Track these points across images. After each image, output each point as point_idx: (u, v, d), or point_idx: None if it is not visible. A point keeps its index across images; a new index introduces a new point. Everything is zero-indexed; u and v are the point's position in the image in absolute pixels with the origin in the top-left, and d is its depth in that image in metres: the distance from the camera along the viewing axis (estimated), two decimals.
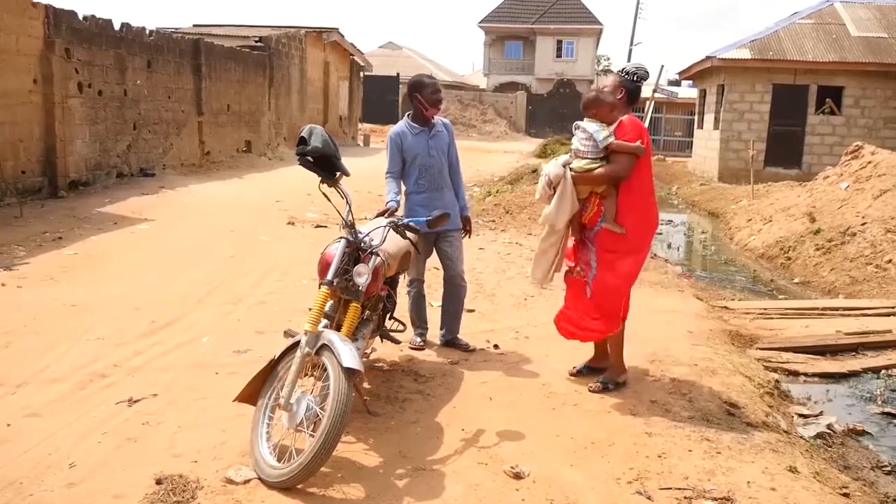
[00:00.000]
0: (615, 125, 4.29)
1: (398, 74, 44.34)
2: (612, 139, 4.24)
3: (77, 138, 11.59)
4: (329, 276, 3.55)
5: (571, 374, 4.66)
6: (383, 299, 4.24)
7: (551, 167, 4.42)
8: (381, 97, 36.93)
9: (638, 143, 4.23)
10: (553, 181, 4.35)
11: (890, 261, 8.81)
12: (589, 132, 4.28)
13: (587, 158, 4.30)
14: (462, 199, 5.15)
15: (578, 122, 4.40)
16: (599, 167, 4.26)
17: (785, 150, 19.49)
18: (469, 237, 5.22)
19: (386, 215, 4.53)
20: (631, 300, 4.57)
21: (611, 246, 4.33)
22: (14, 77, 10.14)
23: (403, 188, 5.05)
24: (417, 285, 5.17)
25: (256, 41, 19.89)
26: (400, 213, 4.83)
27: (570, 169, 4.35)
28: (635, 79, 4.42)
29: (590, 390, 4.38)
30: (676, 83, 35.28)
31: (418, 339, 5.17)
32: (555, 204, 4.34)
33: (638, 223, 4.33)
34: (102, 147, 12.42)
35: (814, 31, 20.39)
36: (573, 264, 4.53)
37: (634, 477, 3.36)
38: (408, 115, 5.04)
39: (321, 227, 10.13)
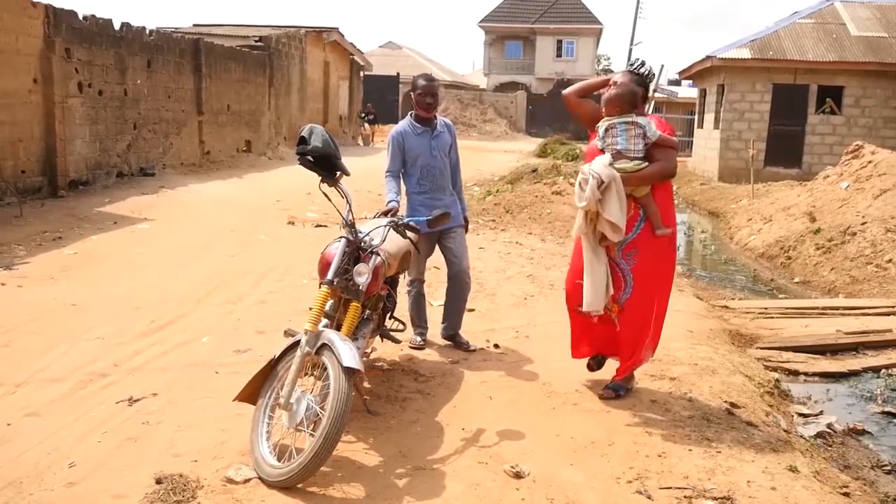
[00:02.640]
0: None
1: (398, 74, 44.31)
2: (660, 133, 4.00)
3: (77, 138, 11.59)
4: (329, 276, 3.54)
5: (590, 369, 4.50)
6: (383, 299, 4.23)
7: (600, 168, 3.96)
8: (381, 97, 36.93)
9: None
10: (606, 182, 3.92)
11: (890, 260, 8.81)
12: (642, 126, 4.00)
13: (637, 158, 4.01)
14: (462, 202, 5.15)
15: (618, 119, 4.06)
16: (646, 166, 4.01)
17: (785, 150, 19.49)
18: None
19: (388, 215, 4.50)
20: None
21: (651, 253, 4.08)
22: (14, 77, 10.13)
23: (403, 188, 5.03)
24: (418, 285, 5.15)
25: (256, 41, 19.89)
26: (402, 212, 4.82)
27: (617, 169, 3.99)
28: (647, 79, 4.22)
29: (601, 397, 4.27)
30: (676, 83, 35.27)
31: (418, 339, 5.15)
32: (616, 207, 3.91)
33: (673, 225, 4.17)
34: (102, 147, 12.41)
35: (814, 30, 20.39)
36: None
37: (634, 476, 3.36)
38: (410, 115, 5.03)
39: (321, 226, 10.14)
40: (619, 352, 4.31)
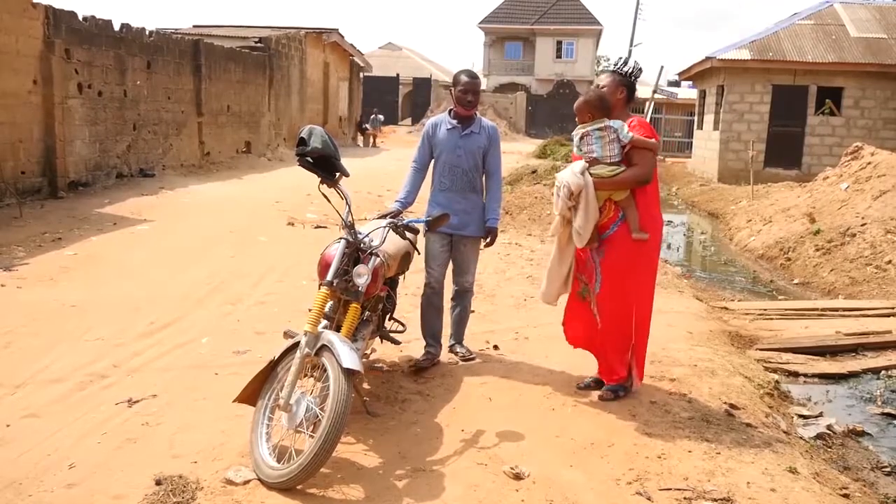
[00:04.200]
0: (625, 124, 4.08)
1: (398, 75, 44.36)
2: (633, 135, 4.00)
3: (77, 139, 11.59)
4: (329, 277, 3.54)
5: (579, 388, 4.44)
6: (383, 300, 4.23)
7: (569, 176, 4.03)
8: (381, 98, 36.98)
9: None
10: (575, 192, 3.98)
11: (889, 261, 8.81)
12: (615, 129, 4.00)
13: (612, 164, 4.02)
14: (493, 211, 4.74)
15: (591, 127, 4.06)
16: (622, 171, 4.03)
17: (785, 151, 19.51)
18: (488, 246, 4.84)
19: (388, 217, 4.34)
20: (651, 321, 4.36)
21: (622, 252, 4.10)
22: (14, 78, 10.14)
23: (429, 183, 4.82)
24: (428, 291, 4.77)
25: (256, 42, 19.90)
26: (420, 210, 4.71)
27: (592, 175, 4.02)
28: (632, 77, 4.22)
29: (600, 398, 4.25)
30: (676, 84, 35.28)
31: (423, 360, 4.73)
32: (581, 216, 3.99)
33: (655, 229, 4.18)
34: (102, 148, 12.42)
35: (813, 31, 20.41)
36: (584, 277, 4.27)
37: (634, 478, 3.36)
38: (450, 110, 4.78)
39: (321, 227, 10.12)
40: (605, 354, 4.31)
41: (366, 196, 11.50)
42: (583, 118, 4.11)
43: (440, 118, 4.80)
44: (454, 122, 4.72)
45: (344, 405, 3.10)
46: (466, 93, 4.61)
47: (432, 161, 4.81)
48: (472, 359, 4.92)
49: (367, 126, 29.96)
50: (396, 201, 4.68)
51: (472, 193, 4.72)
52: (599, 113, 4.07)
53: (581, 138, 4.13)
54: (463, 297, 4.94)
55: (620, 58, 4.30)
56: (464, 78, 4.65)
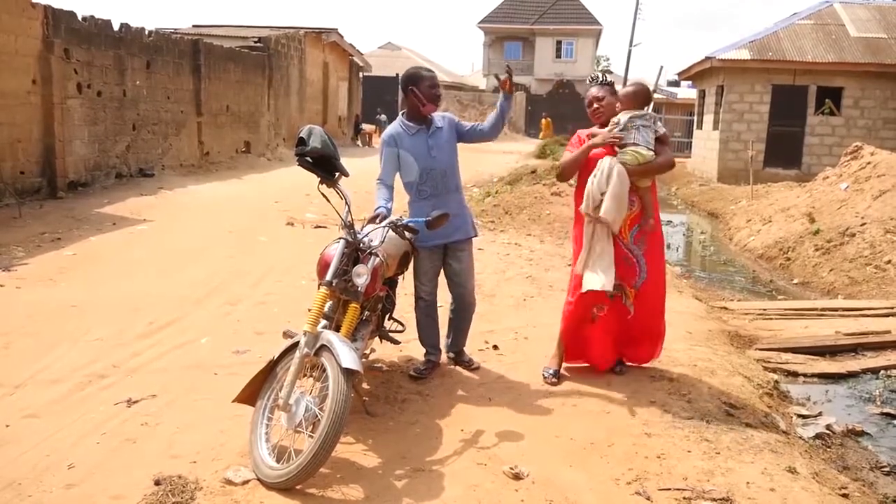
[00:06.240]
0: None
1: (398, 75, 44.27)
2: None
3: (76, 139, 11.58)
4: (328, 277, 3.54)
5: (551, 384, 4.48)
6: (382, 300, 4.23)
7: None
8: (379, 98, 36.98)
9: None
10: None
11: (889, 261, 8.82)
12: (657, 118, 4.48)
13: (650, 150, 4.35)
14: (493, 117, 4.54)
15: (641, 113, 4.38)
16: (657, 158, 4.38)
17: (784, 151, 19.51)
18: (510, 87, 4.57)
19: (377, 221, 4.11)
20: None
21: (660, 241, 4.56)
22: (13, 78, 10.13)
23: (406, 195, 4.63)
24: (423, 304, 4.60)
25: (256, 42, 19.89)
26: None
27: (640, 155, 4.32)
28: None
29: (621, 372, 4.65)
30: (676, 84, 35.34)
31: (424, 368, 4.60)
32: (613, 203, 4.23)
33: (658, 215, 4.55)
34: (101, 148, 12.41)
35: (813, 31, 20.41)
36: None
37: (634, 478, 3.36)
38: (402, 114, 4.47)
39: (320, 227, 10.13)
40: (639, 339, 4.60)
41: (365, 196, 11.43)
42: (630, 106, 4.41)
43: (395, 129, 4.43)
44: (415, 125, 4.39)
45: (343, 405, 3.10)
46: (434, 87, 4.34)
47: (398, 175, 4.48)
48: (478, 368, 4.79)
49: (363, 127, 30.15)
50: (379, 207, 4.18)
51: (454, 193, 4.50)
52: (645, 104, 4.47)
53: (629, 119, 4.35)
54: (466, 307, 4.73)
55: (595, 72, 4.76)
56: (425, 72, 4.39)
